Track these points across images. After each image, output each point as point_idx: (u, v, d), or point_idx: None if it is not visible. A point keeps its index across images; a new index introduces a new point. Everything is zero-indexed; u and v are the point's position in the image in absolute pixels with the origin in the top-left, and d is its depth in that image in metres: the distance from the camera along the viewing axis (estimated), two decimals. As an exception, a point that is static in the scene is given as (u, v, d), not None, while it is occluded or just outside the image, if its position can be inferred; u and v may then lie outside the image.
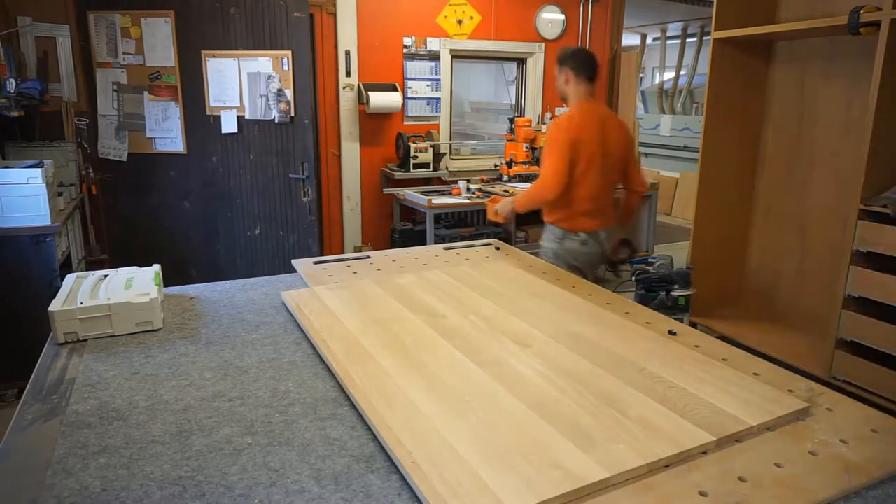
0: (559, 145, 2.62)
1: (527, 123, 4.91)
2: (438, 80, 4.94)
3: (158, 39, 3.67)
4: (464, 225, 4.74)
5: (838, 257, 2.86)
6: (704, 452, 1.02)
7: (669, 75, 9.90)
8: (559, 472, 0.93)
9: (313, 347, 1.45)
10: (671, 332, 1.55)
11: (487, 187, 4.68)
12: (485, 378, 1.25)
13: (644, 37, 9.80)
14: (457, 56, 5.06)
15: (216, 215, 3.91)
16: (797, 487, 0.94)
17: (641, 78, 10.74)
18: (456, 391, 1.19)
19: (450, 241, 2.68)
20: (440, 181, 4.95)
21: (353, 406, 1.18)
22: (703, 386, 1.22)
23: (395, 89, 4.65)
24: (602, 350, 1.40)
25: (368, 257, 2.23)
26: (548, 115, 5.39)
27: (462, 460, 0.96)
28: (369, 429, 1.09)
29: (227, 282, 1.95)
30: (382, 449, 1.04)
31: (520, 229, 4.69)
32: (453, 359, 1.34)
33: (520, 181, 4.88)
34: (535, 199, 2.74)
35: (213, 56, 3.69)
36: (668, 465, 0.98)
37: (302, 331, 1.55)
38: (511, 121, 4.99)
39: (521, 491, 0.89)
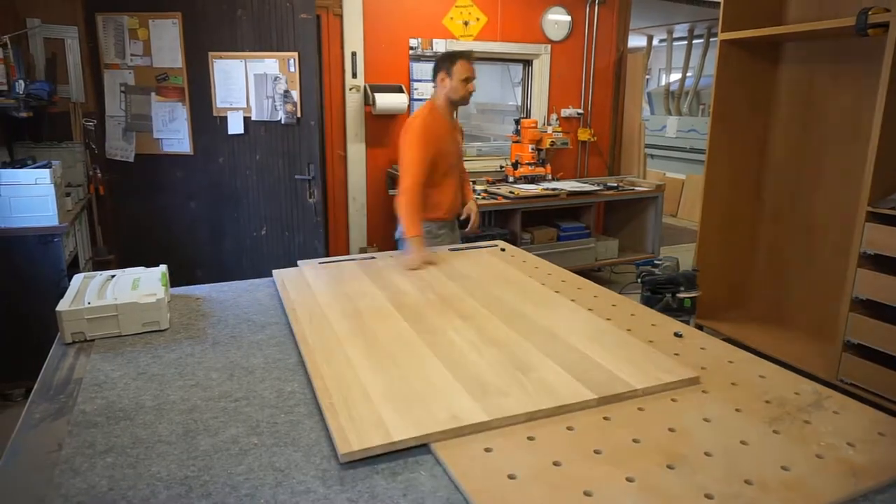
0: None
1: (532, 125, 4.91)
2: (444, 81, 4.93)
3: (166, 41, 3.69)
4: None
5: (845, 259, 2.85)
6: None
7: (676, 77, 9.87)
8: (446, 415, 1.11)
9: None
10: (677, 335, 1.55)
11: (493, 188, 4.68)
12: (418, 343, 1.44)
13: (650, 38, 9.78)
14: (463, 57, 5.05)
15: (222, 216, 3.92)
16: (803, 490, 0.93)
17: (647, 79, 10.71)
18: (388, 352, 1.39)
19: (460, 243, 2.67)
20: (446, 182, 4.95)
21: (358, 407, 1.18)
22: (612, 357, 1.37)
23: (400, 90, 4.65)
24: (537, 326, 1.56)
25: (374, 258, 2.23)
26: (553, 116, 5.38)
27: (371, 402, 1.16)
28: (374, 429, 1.10)
29: (233, 282, 1.96)
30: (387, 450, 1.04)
31: (525, 231, 4.69)
32: (398, 327, 1.54)
33: (525, 182, 4.88)
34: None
35: (220, 57, 3.70)
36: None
37: (307, 331, 1.55)
38: (517, 122, 4.99)
39: (408, 427, 1.07)
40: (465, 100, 2.77)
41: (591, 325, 1.60)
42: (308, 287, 1.83)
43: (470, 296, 1.79)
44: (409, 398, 1.17)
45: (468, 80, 2.74)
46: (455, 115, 2.88)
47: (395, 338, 1.47)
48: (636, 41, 9.47)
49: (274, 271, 1.97)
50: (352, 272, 2.01)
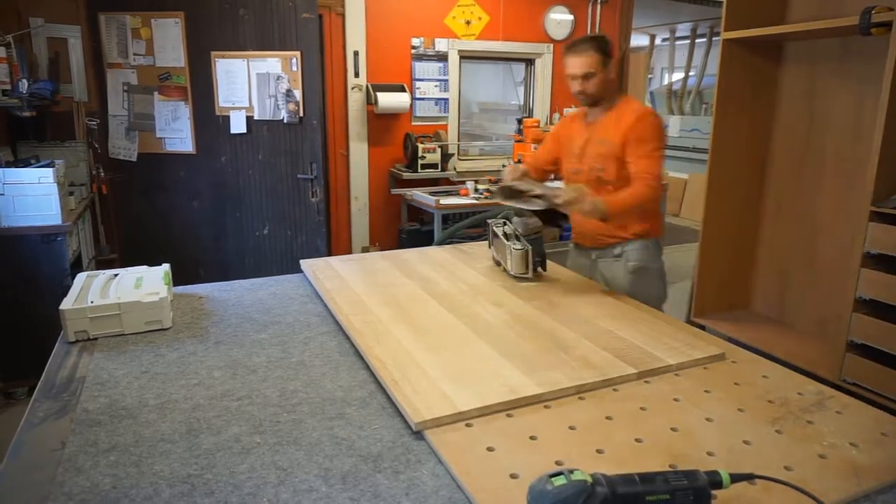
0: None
1: (535, 124, 4.90)
2: (446, 80, 4.94)
3: (168, 40, 3.69)
4: (471, 226, 4.73)
5: (848, 259, 2.84)
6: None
7: (678, 76, 9.86)
8: (504, 388, 1.20)
9: (321, 347, 1.45)
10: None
11: (495, 188, 4.68)
12: (460, 326, 1.53)
13: (653, 37, 9.76)
14: (465, 56, 5.05)
15: (225, 215, 3.93)
16: (806, 490, 0.93)
17: (650, 78, 10.70)
18: (434, 335, 1.47)
19: (458, 242, 2.68)
20: (448, 182, 4.95)
21: (360, 406, 1.18)
22: (643, 337, 1.48)
23: (403, 90, 4.65)
24: (567, 312, 1.65)
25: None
26: (556, 115, 5.38)
27: (430, 379, 1.24)
28: (377, 429, 1.10)
29: (236, 281, 1.96)
30: (390, 449, 1.04)
31: (527, 230, 4.68)
32: (437, 312, 1.62)
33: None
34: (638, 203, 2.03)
35: (223, 57, 3.71)
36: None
37: (310, 330, 1.55)
38: (519, 121, 4.99)
39: (470, 398, 1.16)
40: (577, 97, 2.35)
41: (616, 308, 1.70)
42: (340, 277, 1.91)
43: (495, 283, 1.89)
44: (464, 375, 1.26)
45: (572, 76, 2.30)
46: (600, 115, 2.35)
47: (436, 322, 1.55)
48: (638, 40, 9.45)
49: (302, 262, 2.06)
50: (378, 264, 2.09)
